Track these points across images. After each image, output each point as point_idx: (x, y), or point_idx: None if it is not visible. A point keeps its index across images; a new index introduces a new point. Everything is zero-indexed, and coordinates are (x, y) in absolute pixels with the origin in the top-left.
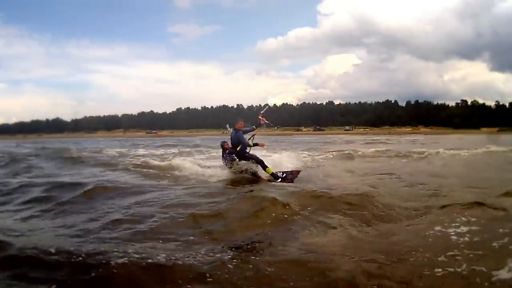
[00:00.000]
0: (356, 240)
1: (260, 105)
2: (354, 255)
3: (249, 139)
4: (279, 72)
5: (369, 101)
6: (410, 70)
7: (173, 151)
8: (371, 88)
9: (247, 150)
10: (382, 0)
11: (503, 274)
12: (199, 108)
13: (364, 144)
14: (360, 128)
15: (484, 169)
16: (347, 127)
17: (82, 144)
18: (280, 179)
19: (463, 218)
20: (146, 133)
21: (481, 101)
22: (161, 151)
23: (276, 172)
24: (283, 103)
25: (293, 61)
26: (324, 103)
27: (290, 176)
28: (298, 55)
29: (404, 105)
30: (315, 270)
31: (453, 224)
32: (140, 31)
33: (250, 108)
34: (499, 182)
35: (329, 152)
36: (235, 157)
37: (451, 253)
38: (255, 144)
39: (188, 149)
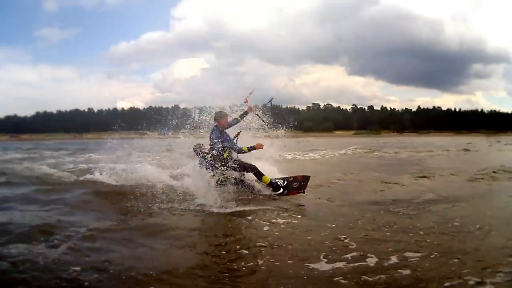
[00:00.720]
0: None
1: (109, 109)
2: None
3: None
4: (128, 76)
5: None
6: (259, 74)
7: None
8: (218, 92)
9: (235, 156)
10: (236, 4)
11: (322, 266)
12: (55, 112)
13: None
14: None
15: (333, 167)
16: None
17: None
18: (281, 190)
19: (287, 213)
20: (10, 137)
21: (336, 105)
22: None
23: (275, 179)
24: (130, 107)
25: (143, 64)
26: (170, 107)
27: (296, 185)
28: (148, 58)
29: None
30: None
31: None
32: (11, 34)
33: (100, 111)
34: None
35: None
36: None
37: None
38: (252, 148)
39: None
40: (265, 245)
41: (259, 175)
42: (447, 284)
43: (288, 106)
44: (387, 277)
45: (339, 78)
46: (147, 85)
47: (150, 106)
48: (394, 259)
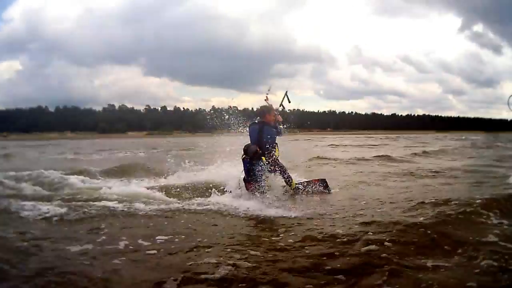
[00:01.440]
0: None
1: None
2: None
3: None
4: None
5: (25, 107)
6: (63, 76)
7: None
8: (29, 94)
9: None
10: (54, 5)
11: None
12: None
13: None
14: (14, 135)
15: None
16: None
17: None
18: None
19: None
20: None
21: (130, 106)
22: None
23: (298, 183)
24: None
25: None
26: None
27: (315, 187)
28: None
29: (54, 111)
30: None
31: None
32: None
33: None
34: None
35: None
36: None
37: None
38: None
39: None
40: None
41: (289, 179)
42: (190, 262)
43: (85, 108)
44: (133, 260)
45: (135, 78)
46: None
47: None
48: (143, 242)
